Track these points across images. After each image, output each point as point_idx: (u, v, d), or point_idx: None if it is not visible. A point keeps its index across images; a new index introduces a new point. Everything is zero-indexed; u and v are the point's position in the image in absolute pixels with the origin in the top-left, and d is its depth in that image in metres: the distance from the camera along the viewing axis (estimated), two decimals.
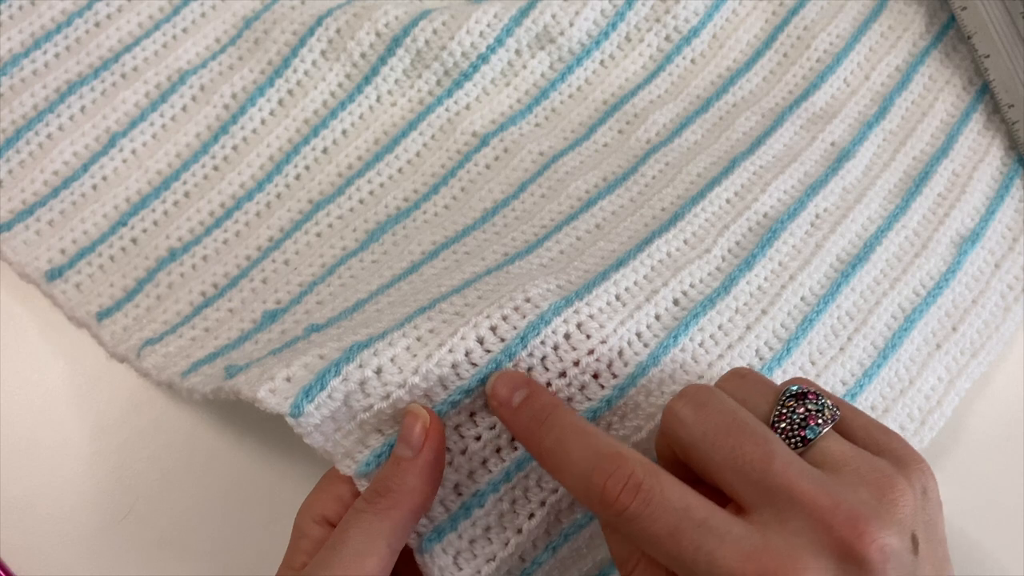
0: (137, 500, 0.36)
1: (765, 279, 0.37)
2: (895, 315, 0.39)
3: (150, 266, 0.38)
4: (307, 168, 0.41)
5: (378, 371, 0.30)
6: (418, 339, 0.30)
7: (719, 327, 0.35)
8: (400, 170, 0.42)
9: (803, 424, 0.26)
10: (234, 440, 0.37)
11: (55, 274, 0.38)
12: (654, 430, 0.32)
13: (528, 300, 0.32)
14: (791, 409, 0.26)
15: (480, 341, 0.31)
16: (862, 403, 0.37)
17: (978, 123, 0.44)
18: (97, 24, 0.43)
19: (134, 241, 0.39)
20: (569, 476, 0.26)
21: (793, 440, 0.26)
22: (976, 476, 0.38)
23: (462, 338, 0.30)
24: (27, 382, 0.38)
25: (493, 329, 0.31)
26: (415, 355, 0.30)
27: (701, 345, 0.35)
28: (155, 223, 0.39)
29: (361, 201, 0.41)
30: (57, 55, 0.42)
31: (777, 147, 0.41)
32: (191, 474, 0.37)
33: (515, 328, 0.31)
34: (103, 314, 0.37)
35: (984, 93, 0.45)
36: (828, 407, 0.26)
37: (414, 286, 0.36)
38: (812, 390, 0.27)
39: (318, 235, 0.40)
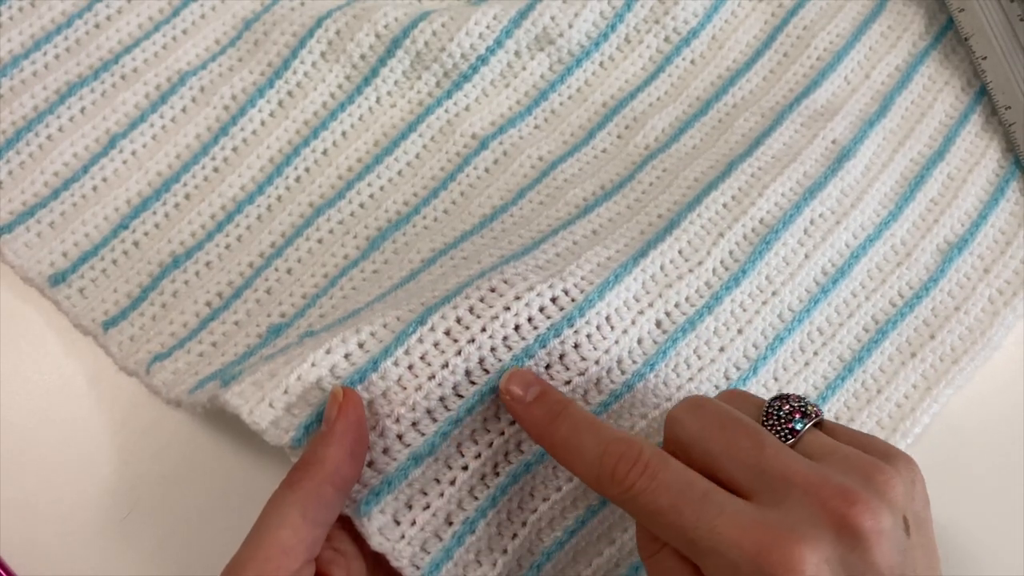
0: (137, 500, 0.36)
1: (749, 295, 0.37)
2: (867, 327, 0.39)
3: (153, 271, 0.39)
4: (307, 170, 0.41)
5: (368, 404, 0.31)
6: (409, 367, 0.31)
7: (695, 351, 0.36)
8: (400, 172, 0.42)
9: (789, 418, 0.27)
10: (235, 440, 0.37)
11: (58, 279, 0.38)
12: None
13: (517, 328, 0.32)
14: (777, 408, 0.28)
15: (467, 373, 0.32)
16: (825, 414, 0.37)
17: (976, 125, 0.44)
18: (97, 25, 0.43)
19: (136, 245, 0.39)
20: (582, 463, 0.28)
21: (782, 433, 0.27)
22: (968, 476, 0.38)
23: (452, 372, 0.31)
24: (27, 382, 0.38)
25: (481, 361, 0.32)
26: (404, 388, 0.31)
27: (674, 369, 0.35)
28: (156, 226, 0.40)
29: (361, 205, 0.41)
30: (57, 56, 0.42)
31: (776, 147, 0.41)
32: (191, 474, 0.37)
33: (500, 361, 0.32)
34: (109, 323, 0.38)
35: (983, 95, 0.45)
36: (811, 404, 0.28)
37: (408, 291, 0.36)
38: (795, 394, 0.29)
39: (319, 241, 0.40)
